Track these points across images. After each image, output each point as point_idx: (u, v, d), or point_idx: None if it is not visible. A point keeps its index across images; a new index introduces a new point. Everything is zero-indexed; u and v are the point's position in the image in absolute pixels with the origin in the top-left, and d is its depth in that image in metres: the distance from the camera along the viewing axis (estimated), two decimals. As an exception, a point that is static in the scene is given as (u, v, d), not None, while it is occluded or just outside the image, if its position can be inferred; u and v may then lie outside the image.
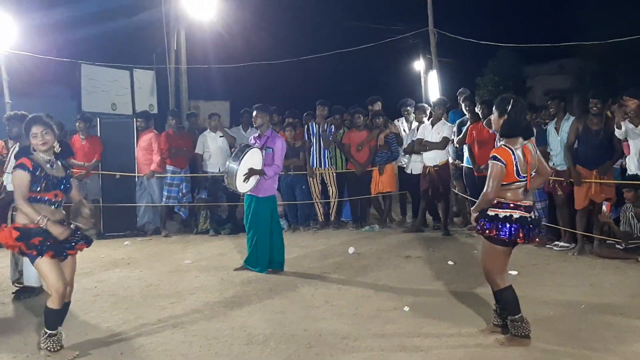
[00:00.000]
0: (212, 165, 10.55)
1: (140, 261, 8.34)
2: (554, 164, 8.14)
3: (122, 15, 17.01)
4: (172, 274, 7.53)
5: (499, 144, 4.80)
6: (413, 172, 10.03)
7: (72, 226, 4.78)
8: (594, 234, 7.84)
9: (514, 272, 6.87)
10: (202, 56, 18.46)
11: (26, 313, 6.03)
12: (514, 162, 4.58)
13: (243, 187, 7.14)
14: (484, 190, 4.62)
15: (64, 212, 4.85)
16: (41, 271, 4.59)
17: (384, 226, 10.30)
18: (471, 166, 9.36)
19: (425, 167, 9.65)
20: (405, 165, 10.35)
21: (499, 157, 4.60)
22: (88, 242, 4.91)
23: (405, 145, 10.26)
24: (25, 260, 6.51)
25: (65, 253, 4.69)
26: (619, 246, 7.59)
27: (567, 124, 8.05)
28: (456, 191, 10.27)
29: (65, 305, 4.76)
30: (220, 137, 10.62)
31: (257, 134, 7.59)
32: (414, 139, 10.00)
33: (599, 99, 7.67)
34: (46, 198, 4.63)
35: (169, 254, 8.78)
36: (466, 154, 9.48)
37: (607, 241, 7.80)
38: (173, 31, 16.54)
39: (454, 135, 9.71)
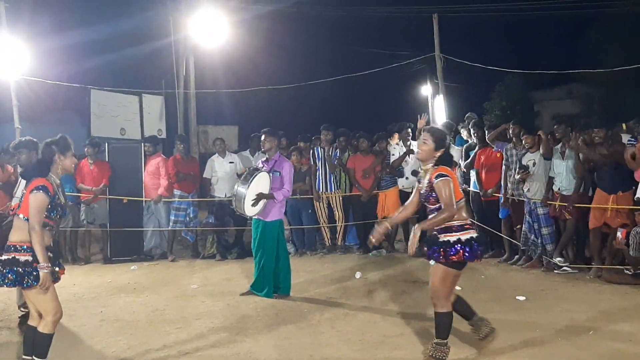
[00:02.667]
0: (220, 190, 10.56)
1: (146, 286, 8.32)
2: (559, 189, 8.13)
3: (132, 41, 17.20)
4: (178, 299, 7.51)
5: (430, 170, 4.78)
6: None
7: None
8: (605, 258, 7.80)
9: (522, 298, 6.83)
10: (211, 81, 18.63)
11: (32, 338, 6.00)
12: (456, 179, 4.78)
13: (251, 210, 7.14)
14: (444, 209, 4.57)
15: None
16: (42, 296, 4.42)
17: (391, 251, 10.26)
18: (477, 190, 9.36)
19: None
20: (407, 189, 10.34)
21: (445, 173, 4.64)
22: (63, 268, 4.78)
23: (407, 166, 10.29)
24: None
25: (58, 276, 4.60)
26: (628, 271, 7.52)
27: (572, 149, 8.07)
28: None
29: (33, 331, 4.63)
30: (230, 162, 10.65)
31: (264, 158, 7.61)
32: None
33: (601, 128, 7.75)
34: (50, 224, 4.56)
35: (176, 279, 8.76)
36: (473, 178, 9.48)
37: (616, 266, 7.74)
38: (182, 57, 16.71)
39: (462, 159, 9.71)
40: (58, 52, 16.03)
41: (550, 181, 8.23)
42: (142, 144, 10.86)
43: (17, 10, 12.73)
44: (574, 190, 7.98)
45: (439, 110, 16.64)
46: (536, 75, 18.28)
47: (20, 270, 4.37)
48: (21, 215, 4.49)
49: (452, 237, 4.60)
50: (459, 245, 4.57)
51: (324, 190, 10.36)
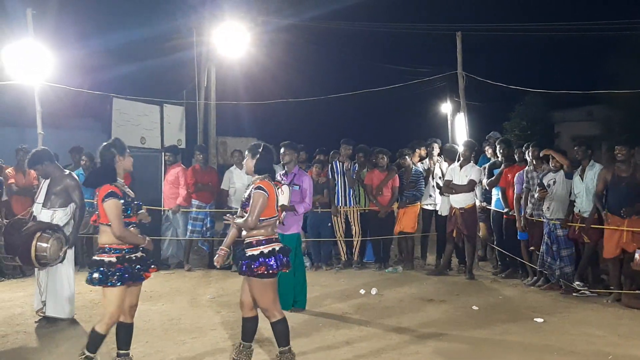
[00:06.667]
0: (237, 201, 10.54)
1: (162, 295, 8.34)
2: (579, 211, 8.06)
3: (155, 51, 17.43)
4: (194, 308, 7.53)
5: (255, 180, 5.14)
6: (443, 214, 9.92)
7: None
8: (623, 282, 7.70)
9: (540, 320, 6.75)
10: (232, 93, 18.80)
11: (47, 343, 6.05)
12: (275, 196, 5.10)
13: None
14: (247, 217, 4.94)
15: None
16: (110, 297, 4.68)
17: (407, 268, 10.19)
18: (499, 209, 9.29)
19: (451, 208, 9.55)
20: (430, 207, 10.32)
21: (264, 187, 4.97)
22: (157, 265, 5.18)
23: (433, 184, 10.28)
24: (50, 290, 6.57)
25: (142, 277, 4.88)
26: (647, 296, 7.42)
27: (592, 171, 7.99)
28: (480, 235, 10.15)
29: (129, 327, 4.97)
30: (248, 174, 10.64)
31: (283, 171, 7.62)
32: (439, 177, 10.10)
33: (624, 145, 7.69)
34: (132, 222, 4.88)
35: (191, 289, 8.78)
36: (494, 196, 9.41)
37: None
38: (204, 68, 16.91)
39: (484, 177, 9.64)
40: (82, 59, 16.28)
41: (571, 204, 8.16)
42: (163, 154, 10.92)
43: (44, 18, 12.90)
44: (590, 213, 7.90)
45: (459, 129, 16.59)
46: (556, 95, 18.15)
47: (105, 270, 4.66)
48: (104, 223, 4.78)
49: (255, 252, 4.91)
50: (262, 258, 4.87)
51: (342, 204, 10.33)
